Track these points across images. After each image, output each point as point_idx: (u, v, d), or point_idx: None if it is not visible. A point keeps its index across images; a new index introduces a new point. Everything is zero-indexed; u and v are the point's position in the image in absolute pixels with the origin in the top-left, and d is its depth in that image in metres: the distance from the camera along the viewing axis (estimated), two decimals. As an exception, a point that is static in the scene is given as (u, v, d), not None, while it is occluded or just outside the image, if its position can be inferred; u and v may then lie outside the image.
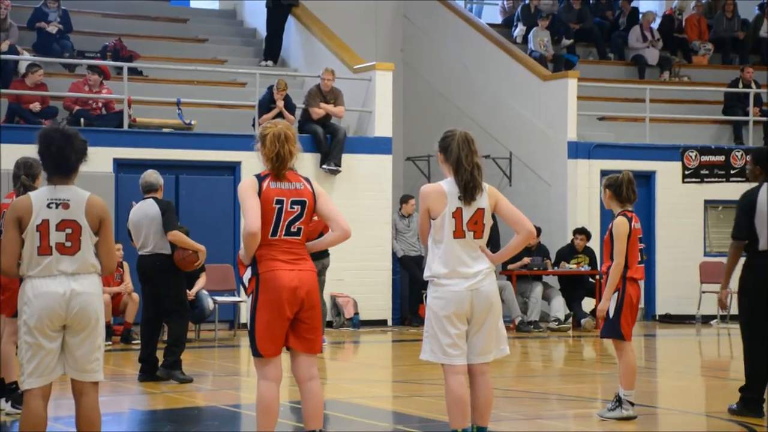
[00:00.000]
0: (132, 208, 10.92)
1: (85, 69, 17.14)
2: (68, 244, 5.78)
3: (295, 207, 6.20)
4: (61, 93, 16.78)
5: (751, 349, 8.65)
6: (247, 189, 6.18)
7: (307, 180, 6.34)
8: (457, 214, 6.43)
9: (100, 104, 16.70)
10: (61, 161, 5.82)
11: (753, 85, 20.55)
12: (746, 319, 8.70)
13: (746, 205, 8.67)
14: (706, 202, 19.02)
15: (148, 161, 15.17)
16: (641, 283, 8.57)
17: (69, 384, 5.91)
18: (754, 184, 8.84)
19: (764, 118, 20.24)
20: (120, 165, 16.01)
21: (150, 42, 19.68)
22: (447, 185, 6.48)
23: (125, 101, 16.45)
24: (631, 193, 8.49)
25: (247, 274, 6.22)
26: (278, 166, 6.22)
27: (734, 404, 8.68)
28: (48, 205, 5.79)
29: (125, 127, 16.40)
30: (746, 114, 20.26)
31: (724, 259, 20.05)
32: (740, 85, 20.60)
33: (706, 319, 18.27)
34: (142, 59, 18.59)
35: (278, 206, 6.16)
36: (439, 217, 6.44)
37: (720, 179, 19.17)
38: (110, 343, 13.97)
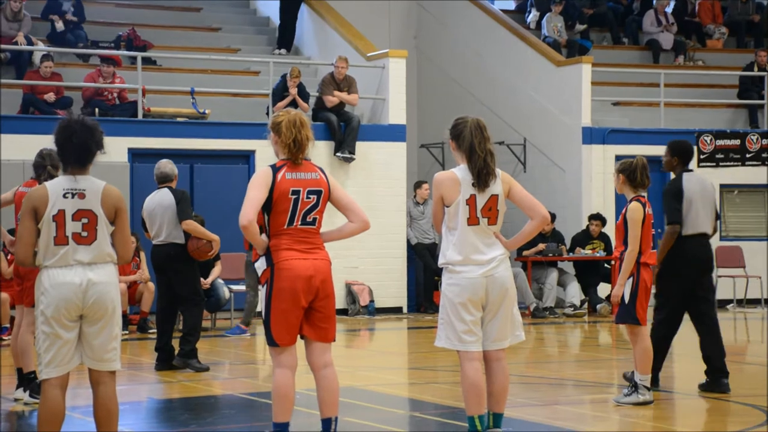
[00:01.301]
0: (146, 199, 10.96)
1: (99, 59, 17.17)
2: (84, 233, 5.78)
3: (312, 197, 6.19)
4: (74, 83, 16.82)
5: (660, 327, 9.04)
6: (256, 180, 6.16)
7: (321, 170, 6.34)
8: (471, 201, 6.42)
9: (114, 94, 16.74)
10: (81, 152, 5.82)
11: (768, 68, 20.48)
12: (666, 297, 9.00)
13: (677, 193, 8.98)
14: (722, 186, 18.93)
15: (163, 150, 15.20)
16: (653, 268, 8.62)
17: (86, 373, 5.93)
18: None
19: (779, 102, 20.19)
20: (134, 154, 16.05)
21: (163, 31, 19.71)
22: (460, 172, 6.47)
23: (139, 91, 16.49)
24: (645, 179, 8.49)
25: (260, 264, 6.22)
26: (296, 151, 6.21)
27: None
28: (64, 195, 5.79)
29: (139, 116, 16.44)
30: (761, 97, 20.17)
31: (740, 244, 19.97)
32: (755, 68, 20.51)
33: (723, 304, 18.22)
34: (156, 49, 18.62)
35: (294, 196, 6.14)
36: (453, 204, 6.43)
37: (735, 163, 19.11)
38: (127, 332, 14.03)
